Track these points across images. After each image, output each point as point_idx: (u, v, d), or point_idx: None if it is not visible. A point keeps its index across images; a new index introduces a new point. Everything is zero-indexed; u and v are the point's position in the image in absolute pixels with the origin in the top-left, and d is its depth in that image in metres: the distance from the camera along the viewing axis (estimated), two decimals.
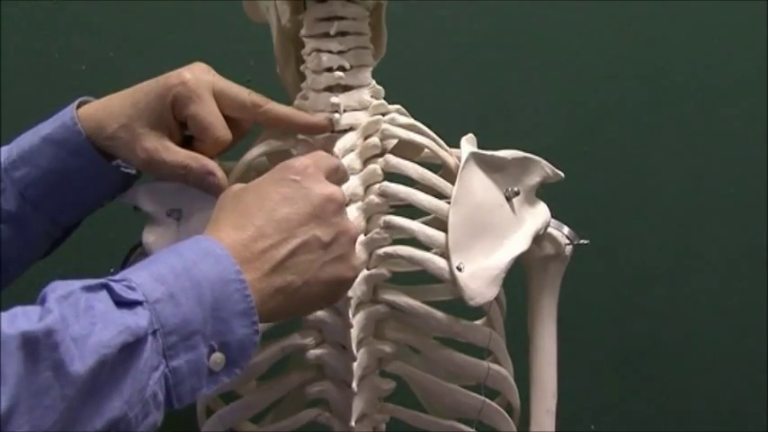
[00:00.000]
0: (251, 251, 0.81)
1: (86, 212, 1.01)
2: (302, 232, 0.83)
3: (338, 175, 0.91)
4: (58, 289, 0.72)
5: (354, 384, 0.95)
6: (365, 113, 0.99)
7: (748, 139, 1.36)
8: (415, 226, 0.95)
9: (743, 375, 1.36)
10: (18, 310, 0.69)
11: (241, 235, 0.81)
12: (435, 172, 0.98)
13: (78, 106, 0.97)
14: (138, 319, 0.72)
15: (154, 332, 0.73)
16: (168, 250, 0.80)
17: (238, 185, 0.89)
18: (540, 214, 1.02)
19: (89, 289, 0.72)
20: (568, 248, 1.05)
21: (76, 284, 0.72)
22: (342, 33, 0.97)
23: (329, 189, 0.86)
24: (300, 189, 0.85)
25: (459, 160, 0.97)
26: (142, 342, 0.72)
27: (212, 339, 0.76)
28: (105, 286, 0.73)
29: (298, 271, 0.83)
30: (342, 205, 0.87)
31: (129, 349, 0.71)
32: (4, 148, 0.97)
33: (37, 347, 0.66)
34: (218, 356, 0.76)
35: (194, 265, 0.77)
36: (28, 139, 0.97)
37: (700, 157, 1.35)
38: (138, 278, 0.75)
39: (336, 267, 0.85)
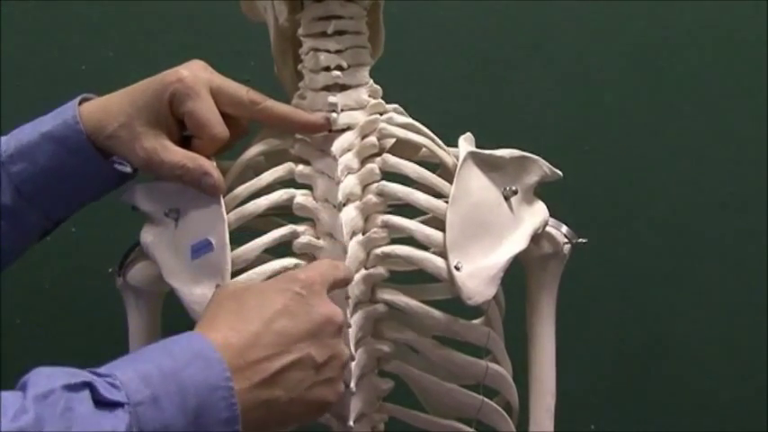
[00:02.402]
0: (244, 359, 0.80)
1: (80, 207, 1.01)
2: (298, 349, 0.83)
3: (341, 286, 0.91)
4: (39, 383, 0.71)
5: (353, 384, 0.95)
6: (363, 113, 0.99)
7: (749, 137, 1.35)
8: (413, 225, 0.95)
9: (743, 374, 1.36)
10: None
11: (237, 339, 0.81)
12: (433, 171, 0.98)
13: (80, 103, 0.97)
14: (117, 424, 0.71)
15: None
16: (159, 345, 0.80)
17: (240, 283, 0.90)
18: (538, 213, 1.01)
19: (71, 388, 0.71)
20: (567, 247, 1.05)
21: (58, 381, 0.71)
22: (339, 32, 0.97)
23: (331, 310, 0.86)
24: (303, 304, 0.85)
25: (457, 159, 0.97)
26: None
27: None
28: (88, 385, 0.72)
29: (286, 387, 0.82)
30: (340, 328, 0.87)
31: None
32: (2, 140, 0.97)
33: None
34: None
35: (183, 367, 0.76)
36: (27, 133, 0.97)
37: (700, 156, 1.35)
38: (124, 375, 0.74)
39: (323, 390, 0.85)
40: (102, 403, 0.72)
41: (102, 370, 0.75)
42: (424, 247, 0.95)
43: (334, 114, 0.97)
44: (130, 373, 0.74)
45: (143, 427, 0.73)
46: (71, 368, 0.73)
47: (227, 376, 0.77)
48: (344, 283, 0.92)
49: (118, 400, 0.72)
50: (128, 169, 1.00)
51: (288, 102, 1.00)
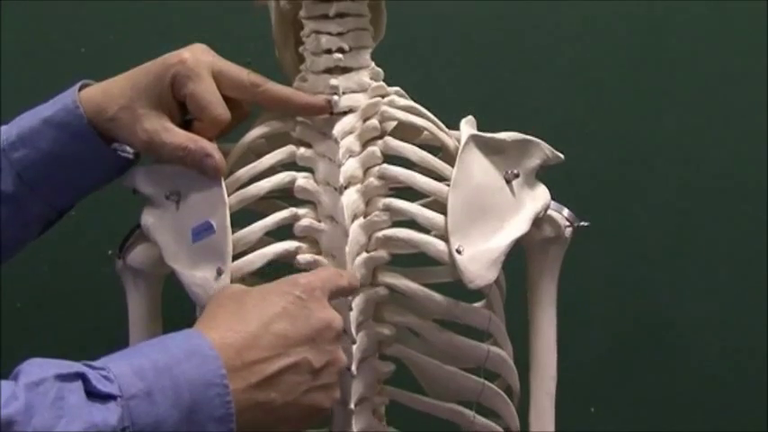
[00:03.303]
0: (241, 359, 0.80)
1: (82, 195, 1.01)
2: (296, 353, 0.83)
3: (344, 294, 0.91)
4: (32, 372, 0.71)
5: (354, 367, 0.94)
6: (364, 95, 0.98)
7: (749, 122, 1.35)
8: (414, 208, 0.95)
9: (744, 358, 1.36)
10: None
11: (235, 339, 0.81)
12: (435, 154, 0.98)
13: (79, 89, 0.97)
14: (108, 416, 0.71)
15: (123, 429, 0.72)
16: (156, 341, 0.80)
17: (239, 285, 0.89)
18: (539, 196, 1.01)
19: (63, 378, 0.71)
20: (568, 231, 1.05)
21: (51, 370, 0.71)
22: (341, 15, 0.97)
23: (330, 315, 0.87)
24: (303, 309, 0.85)
25: (459, 142, 0.97)
26: None
27: None
28: (81, 376, 0.72)
29: (282, 390, 0.82)
30: (339, 334, 0.88)
31: None
32: (3, 128, 0.97)
33: None
34: None
35: (178, 363, 0.76)
36: (28, 120, 0.97)
37: (701, 140, 1.35)
38: (118, 369, 0.74)
39: (319, 395, 0.86)
40: (94, 395, 0.72)
41: (96, 363, 0.75)
42: (426, 231, 0.95)
43: (335, 97, 0.97)
44: (124, 367, 0.74)
45: (135, 421, 0.73)
46: (64, 360, 0.73)
47: (223, 374, 0.77)
48: (347, 292, 0.92)
49: (110, 393, 0.72)
50: (130, 155, 1.00)
51: (289, 85, 1.00)
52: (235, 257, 0.93)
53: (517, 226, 0.97)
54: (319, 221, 0.96)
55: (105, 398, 0.72)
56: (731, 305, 1.36)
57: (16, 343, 1.24)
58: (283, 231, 0.96)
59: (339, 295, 0.91)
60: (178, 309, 1.02)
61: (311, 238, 0.96)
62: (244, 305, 0.85)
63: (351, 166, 0.96)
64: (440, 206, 0.95)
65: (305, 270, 0.95)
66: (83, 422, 0.70)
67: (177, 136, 0.94)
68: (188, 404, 0.75)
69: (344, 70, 0.98)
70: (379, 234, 0.95)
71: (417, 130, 1.00)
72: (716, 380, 1.36)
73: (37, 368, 0.71)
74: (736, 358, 1.36)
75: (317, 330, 0.85)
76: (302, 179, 0.96)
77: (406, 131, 0.99)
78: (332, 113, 0.97)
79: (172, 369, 0.75)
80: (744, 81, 1.35)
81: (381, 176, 0.96)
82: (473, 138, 0.97)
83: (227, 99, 0.96)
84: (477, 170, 0.96)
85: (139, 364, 0.75)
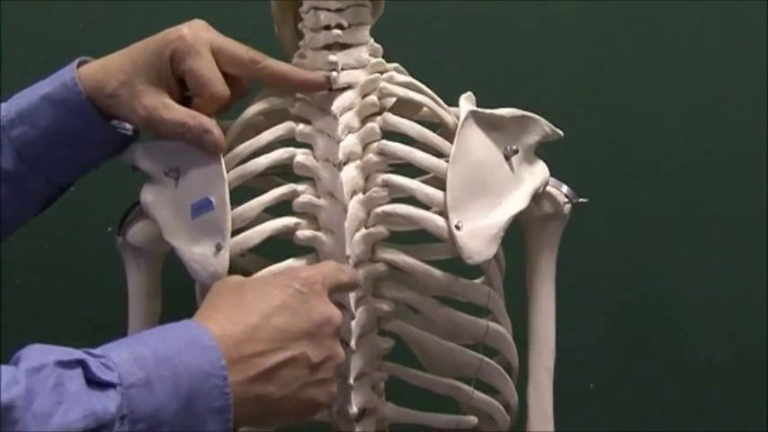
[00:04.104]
0: (240, 352, 0.80)
1: (82, 173, 1.01)
2: (294, 347, 0.83)
3: (345, 290, 0.92)
4: (32, 357, 0.71)
5: (353, 343, 0.95)
6: (363, 72, 0.98)
7: (752, 99, 1.35)
8: (413, 184, 0.95)
9: (743, 332, 1.36)
10: None
11: (234, 331, 0.81)
12: (434, 130, 0.98)
13: (78, 66, 0.97)
14: (108, 404, 0.71)
15: (122, 417, 0.72)
16: (156, 330, 0.80)
17: (239, 277, 0.89)
18: (538, 173, 1.01)
19: (63, 364, 0.71)
20: (567, 207, 1.05)
21: (52, 356, 0.71)
22: None
23: (330, 311, 0.87)
24: (304, 303, 0.85)
25: (458, 119, 0.97)
26: (106, 428, 0.71)
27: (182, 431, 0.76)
28: (81, 363, 0.72)
29: (279, 384, 0.82)
30: (338, 330, 0.87)
31: None
32: (3, 105, 0.97)
33: None
34: None
35: (178, 353, 0.76)
36: (26, 97, 0.97)
37: (701, 114, 1.35)
38: (118, 357, 0.74)
39: (316, 390, 0.85)
40: (94, 382, 0.72)
41: (96, 350, 0.75)
42: (425, 207, 0.95)
43: (334, 73, 0.96)
44: (125, 355, 0.74)
45: (134, 410, 0.73)
46: (65, 347, 0.73)
47: (222, 364, 0.77)
48: (348, 287, 0.92)
49: (110, 381, 0.72)
50: (129, 131, 1.00)
51: (288, 61, 0.99)
52: (234, 233, 0.93)
53: (516, 202, 0.97)
54: (318, 197, 0.96)
55: (105, 386, 0.72)
56: (731, 282, 1.36)
57: (16, 319, 1.25)
58: (282, 208, 0.96)
59: (340, 291, 0.91)
60: (178, 285, 1.02)
61: (310, 215, 0.96)
62: (244, 297, 0.85)
63: (350, 143, 0.96)
64: (439, 182, 0.95)
65: (304, 247, 0.95)
66: (82, 409, 0.70)
67: (176, 112, 0.94)
68: (186, 394, 0.75)
69: (343, 46, 0.98)
70: (378, 210, 0.95)
71: (416, 106, 1.00)
72: (715, 357, 1.36)
73: (38, 354, 0.72)
74: (736, 336, 1.36)
75: (317, 325, 0.85)
76: (301, 155, 0.96)
77: (405, 108, 0.99)
78: (331, 90, 0.97)
79: (172, 358, 0.75)
80: (745, 56, 1.34)
81: (380, 152, 0.96)
82: (472, 114, 0.97)
83: (226, 76, 0.96)
84: (476, 146, 0.96)
85: (140, 352, 0.75)
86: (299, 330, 0.84)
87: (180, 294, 1.02)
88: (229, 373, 0.78)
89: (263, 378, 0.81)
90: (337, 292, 0.90)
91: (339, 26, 0.97)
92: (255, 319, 0.82)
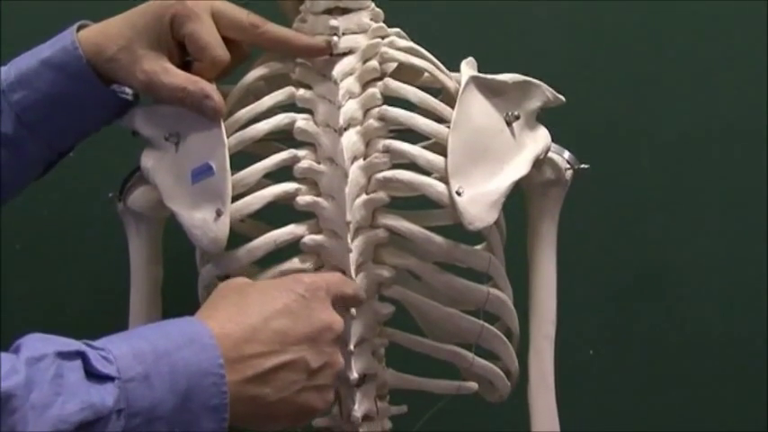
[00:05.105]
0: (239, 352, 0.80)
1: (82, 137, 1.01)
2: (294, 351, 0.83)
3: (347, 303, 0.92)
4: (33, 347, 0.71)
5: (353, 309, 0.95)
6: (364, 37, 0.98)
7: (752, 65, 1.34)
8: (414, 150, 0.95)
9: (742, 302, 1.36)
10: None
11: (234, 331, 0.81)
12: (435, 96, 0.98)
13: (77, 30, 0.96)
14: (105, 397, 0.71)
15: (119, 411, 0.72)
16: (157, 326, 0.81)
17: (243, 279, 0.89)
18: (540, 139, 1.01)
19: (63, 356, 0.71)
20: (569, 173, 1.04)
21: (52, 346, 0.71)
22: None
23: (332, 317, 0.87)
24: (305, 308, 0.85)
25: (460, 84, 0.97)
26: (103, 421, 0.71)
27: (177, 428, 0.75)
28: (81, 354, 0.72)
29: (276, 387, 0.82)
30: (339, 337, 0.87)
31: (88, 427, 0.70)
32: (2, 69, 0.97)
33: None
34: None
35: (177, 349, 0.76)
36: (26, 61, 0.96)
37: (702, 82, 1.34)
38: (118, 350, 0.74)
39: (313, 396, 0.85)
40: (92, 375, 0.72)
41: (96, 342, 0.75)
42: (426, 173, 0.95)
43: (335, 38, 0.96)
44: (124, 349, 0.75)
45: (131, 404, 0.73)
46: (65, 338, 0.73)
47: (221, 363, 0.77)
48: (352, 300, 0.93)
49: (109, 374, 0.72)
50: (129, 96, 1.00)
51: (288, 26, 0.99)
52: (234, 199, 0.93)
53: (517, 168, 0.97)
54: (319, 163, 0.95)
55: (103, 379, 0.72)
56: (731, 249, 1.36)
57: (16, 285, 1.25)
58: (283, 174, 0.96)
59: (342, 303, 0.91)
60: (179, 251, 1.02)
61: (311, 180, 0.96)
62: (246, 297, 0.85)
63: (350, 108, 0.95)
64: (440, 148, 0.95)
65: (304, 212, 0.95)
66: (80, 401, 0.70)
67: (176, 77, 0.94)
68: (184, 391, 0.75)
69: (344, 11, 0.97)
70: (379, 176, 0.95)
71: (418, 71, 0.99)
72: (714, 323, 1.36)
73: (38, 343, 0.72)
74: (735, 302, 1.36)
75: (317, 330, 0.85)
76: (302, 121, 0.96)
77: (406, 73, 0.99)
78: (331, 55, 0.97)
79: (171, 354, 0.76)
80: (746, 23, 1.34)
81: (381, 118, 0.95)
82: (474, 79, 0.96)
83: (226, 40, 0.96)
84: (477, 112, 0.96)
85: (139, 347, 0.75)
86: (300, 335, 0.84)
87: (180, 260, 1.02)
88: (227, 372, 0.78)
89: (260, 379, 0.81)
90: (340, 303, 0.90)
91: None
92: (256, 320, 0.82)
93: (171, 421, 0.75)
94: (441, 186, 0.94)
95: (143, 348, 0.75)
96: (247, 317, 0.82)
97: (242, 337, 0.81)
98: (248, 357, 0.81)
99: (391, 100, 0.96)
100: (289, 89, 0.97)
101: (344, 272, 0.94)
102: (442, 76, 0.99)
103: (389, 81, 0.96)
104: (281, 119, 0.96)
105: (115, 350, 0.74)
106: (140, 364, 0.74)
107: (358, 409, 0.97)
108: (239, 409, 0.79)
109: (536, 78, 1.01)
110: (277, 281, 0.89)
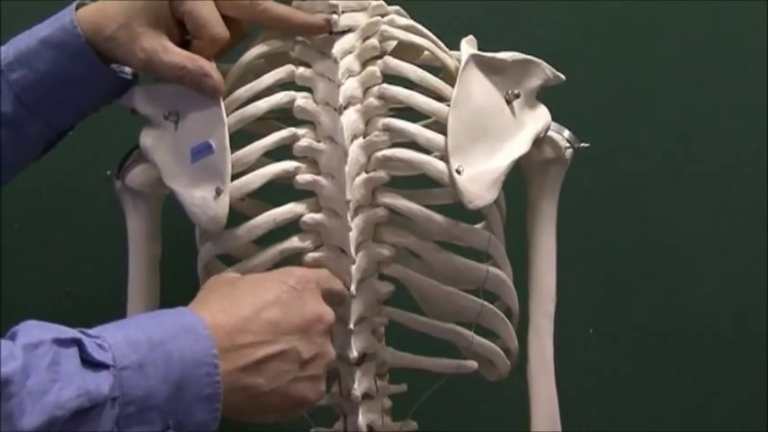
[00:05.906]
0: (231, 341, 0.81)
1: (81, 117, 1.00)
2: (285, 341, 0.84)
3: (334, 299, 0.92)
4: (30, 333, 0.71)
5: (353, 287, 0.95)
6: (364, 14, 0.97)
7: (751, 50, 1.34)
8: (414, 129, 0.95)
9: (741, 278, 1.36)
10: None
11: (227, 321, 0.82)
12: (435, 74, 0.97)
13: (76, 9, 0.96)
14: (101, 384, 0.72)
15: (113, 399, 0.72)
16: (152, 315, 0.82)
17: (233, 274, 0.91)
18: (540, 117, 1.01)
19: (60, 342, 0.72)
20: (569, 152, 1.04)
21: (49, 334, 0.72)
22: None
23: (323, 309, 0.88)
24: (297, 299, 0.86)
25: (460, 62, 0.96)
26: (98, 408, 0.71)
27: (170, 417, 0.76)
28: (77, 342, 0.72)
29: (268, 377, 0.83)
30: (330, 328, 0.88)
31: (83, 414, 0.71)
32: (1, 48, 0.96)
33: None
34: None
35: (172, 339, 0.77)
36: (25, 40, 0.96)
37: (702, 62, 1.34)
38: (113, 339, 0.75)
39: (305, 386, 0.86)
40: (88, 362, 0.72)
41: (91, 330, 0.75)
42: (426, 151, 0.95)
43: (334, 16, 0.96)
44: (119, 338, 0.75)
45: (125, 392, 0.73)
46: (60, 325, 0.74)
47: (214, 353, 0.78)
48: (337, 298, 0.93)
49: (104, 362, 0.73)
50: (128, 75, 0.99)
51: (288, 4, 0.99)
52: (233, 177, 0.93)
53: (517, 146, 0.97)
54: (318, 141, 0.95)
55: (99, 366, 0.73)
56: (731, 227, 1.36)
57: (15, 263, 1.25)
58: (282, 152, 0.96)
59: (330, 297, 0.92)
60: (178, 229, 1.02)
61: (310, 159, 0.96)
62: (237, 289, 0.86)
63: (350, 86, 0.95)
64: (440, 126, 0.94)
65: (304, 191, 0.95)
66: (76, 388, 0.70)
67: (176, 55, 0.94)
68: (177, 380, 0.76)
69: None
70: (379, 154, 0.95)
71: (417, 49, 0.99)
72: (715, 302, 1.37)
73: (35, 330, 0.72)
74: (735, 279, 1.36)
75: (308, 321, 0.86)
76: (301, 99, 0.96)
77: (406, 51, 0.99)
78: (331, 33, 0.96)
79: (165, 344, 0.76)
80: (747, 11, 1.33)
81: (381, 96, 0.95)
82: (474, 57, 0.96)
83: (225, 18, 0.95)
84: (477, 90, 0.96)
85: (134, 335, 0.76)
86: (291, 325, 0.85)
87: (180, 239, 1.02)
88: (220, 361, 0.79)
89: (253, 369, 0.82)
90: (328, 297, 0.91)
91: None
92: (248, 311, 0.83)
93: (164, 410, 0.75)
94: (441, 165, 0.94)
95: (138, 337, 0.76)
96: (240, 308, 0.83)
97: (234, 327, 0.82)
98: (241, 347, 0.81)
99: (391, 78, 0.96)
100: (288, 67, 0.97)
101: (344, 250, 0.94)
102: (441, 55, 0.99)
103: (389, 59, 0.96)
104: (280, 97, 0.96)
105: (110, 338, 0.75)
106: (135, 352, 0.75)
107: (358, 388, 0.98)
108: (232, 399, 0.80)
109: (536, 57, 1.00)
110: (268, 274, 0.91)
